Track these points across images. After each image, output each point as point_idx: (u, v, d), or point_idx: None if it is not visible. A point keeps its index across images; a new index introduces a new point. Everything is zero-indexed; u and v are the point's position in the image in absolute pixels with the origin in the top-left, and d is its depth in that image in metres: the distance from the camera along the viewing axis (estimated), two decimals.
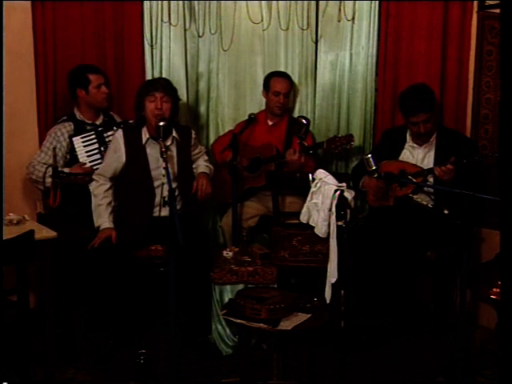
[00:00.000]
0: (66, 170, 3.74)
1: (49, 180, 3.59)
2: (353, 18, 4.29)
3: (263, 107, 4.33)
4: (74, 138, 3.84)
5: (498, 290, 3.08)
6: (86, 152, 3.86)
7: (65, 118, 3.92)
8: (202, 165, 3.91)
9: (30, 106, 3.97)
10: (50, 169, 3.64)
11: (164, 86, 3.65)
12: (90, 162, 3.85)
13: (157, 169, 3.67)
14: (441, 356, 3.45)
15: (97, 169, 3.79)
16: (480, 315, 3.95)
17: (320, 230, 3.08)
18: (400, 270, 3.61)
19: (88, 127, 3.91)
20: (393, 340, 3.64)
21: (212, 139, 4.48)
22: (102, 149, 3.88)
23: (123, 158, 3.68)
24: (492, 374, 3.23)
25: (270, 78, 4.23)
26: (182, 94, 4.27)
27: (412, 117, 3.67)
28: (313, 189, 3.06)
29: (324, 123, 4.47)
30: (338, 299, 2.80)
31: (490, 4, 3.82)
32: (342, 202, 2.84)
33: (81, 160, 3.83)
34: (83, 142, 3.86)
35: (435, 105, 3.73)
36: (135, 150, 3.68)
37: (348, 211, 2.81)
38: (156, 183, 3.69)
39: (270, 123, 4.29)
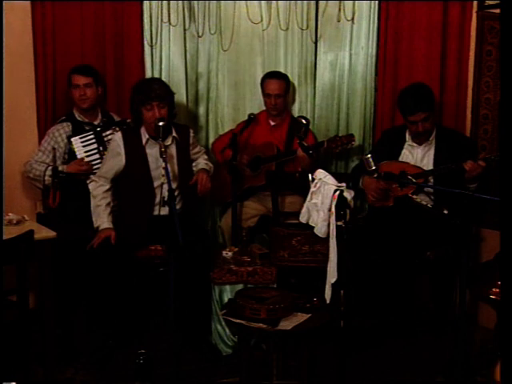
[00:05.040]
0: (65, 167, 3.76)
1: (48, 179, 3.60)
2: (352, 18, 4.28)
3: (263, 107, 4.31)
4: (72, 139, 3.83)
5: (497, 290, 3.08)
6: (85, 152, 3.85)
7: (63, 118, 3.92)
8: (201, 162, 3.90)
9: (30, 106, 3.97)
10: (50, 169, 3.66)
11: (158, 94, 3.57)
12: (89, 162, 3.84)
13: (157, 169, 3.67)
14: (441, 356, 3.45)
15: (96, 168, 3.79)
16: (480, 315, 3.95)
17: (320, 230, 3.09)
18: (400, 269, 3.61)
19: (86, 127, 3.91)
20: (392, 340, 3.64)
21: (211, 139, 4.47)
22: (101, 149, 3.87)
23: (123, 161, 3.66)
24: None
25: (263, 80, 4.21)
26: (182, 94, 4.28)
27: (410, 116, 3.67)
28: (312, 189, 3.07)
29: (323, 123, 4.46)
30: (338, 299, 2.80)
31: (490, 4, 3.82)
32: (341, 202, 2.84)
33: None
34: (82, 142, 3.86)
35: (434, 104, 3.73)
36: (135, 151, 3.67)
37: (348, 211, 2.81)
38: (156, 183, 3.69)
39: (272, 123, 4.27)
